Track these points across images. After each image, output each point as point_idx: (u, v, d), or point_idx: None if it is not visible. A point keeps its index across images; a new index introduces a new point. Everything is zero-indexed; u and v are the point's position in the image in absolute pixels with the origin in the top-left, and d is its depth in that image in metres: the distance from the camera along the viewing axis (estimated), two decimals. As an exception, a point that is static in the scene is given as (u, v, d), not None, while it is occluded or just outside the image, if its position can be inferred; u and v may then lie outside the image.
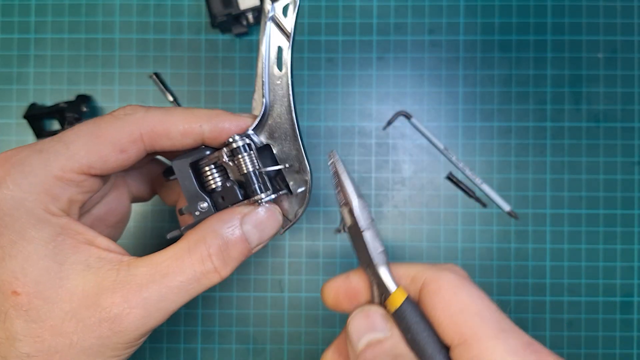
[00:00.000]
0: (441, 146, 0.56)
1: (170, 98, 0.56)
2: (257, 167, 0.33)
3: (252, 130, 0.34)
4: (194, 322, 0.55)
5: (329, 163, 0.32)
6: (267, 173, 0.34)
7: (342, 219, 0.33)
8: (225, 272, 0.31)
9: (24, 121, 0.55)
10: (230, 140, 0.32)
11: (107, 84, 0.57)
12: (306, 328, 0.55)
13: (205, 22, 0.57)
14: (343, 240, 0.56)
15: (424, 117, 0.56)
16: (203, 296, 0.56)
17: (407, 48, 0.57)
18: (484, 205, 0.56)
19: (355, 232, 0.32)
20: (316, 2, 0.57)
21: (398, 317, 0.30)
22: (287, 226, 0.35)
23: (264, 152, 0.34)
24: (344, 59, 0.57)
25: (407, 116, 0.56)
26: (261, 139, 0.34)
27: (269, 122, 0.34)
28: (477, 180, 0.56)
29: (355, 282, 0.33)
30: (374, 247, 0.31)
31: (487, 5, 0.57)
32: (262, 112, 0.34)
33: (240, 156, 0.32)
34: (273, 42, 0.34)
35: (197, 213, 0.33)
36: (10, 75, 0.56)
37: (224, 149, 0.33)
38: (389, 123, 0.56)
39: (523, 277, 0.56)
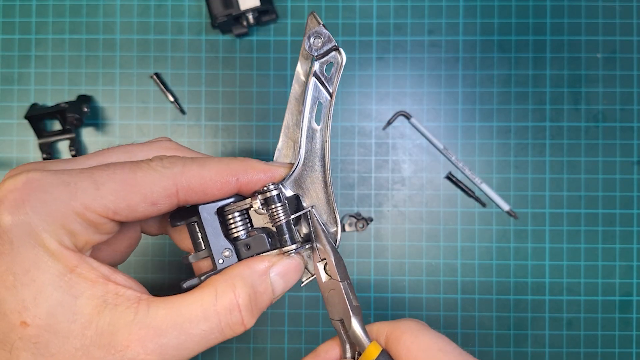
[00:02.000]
0: (441, 146, 0.56)
1: (171, 98, 0.56)
2: (290, 217, 0.33)
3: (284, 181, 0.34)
4: (195, 321, 0.56)
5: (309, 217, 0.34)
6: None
7: (317, 275, 0.34)
8: (250, 324, 0.30)
9: (25, 121, 0.55)
10: (265, 189, 0.33)
11: (107, 84, 0.57)
12: (306, 327, 0.56)
13: (205, 23, 0.57)
14: (343, 240, 0.56)
15: (424, 117, 0.57)
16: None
17: (406, 48, 0.57)
18: (483, 204, 0.56)
19: (329, 286, 0.33)
20: (316, 2, 0.57)
21: None
22: (309, 279, 0.35)
23: (291, 202, 0.35)
24: (343, 59, 0.57)
25: (407, 116, 0.56)
26: (289, 188, 0.35)
27: (301, 173, 0.35)
28: (477, 180, 0.56)
29: (324, 354, 0.34)
30: (350, 300, 0.32)
31: (486, 6, 0.57)
32: (297, 164, 0.34)
33: (274, 206, 0.33)
34: (314, 96, 0.35)
35: (220, 261, 0.33)
36: (11, 76, 0.57)
37: (259, 196, 0.33)
38: (389, 123, 0.56)
39: (522, 276, 0.56)
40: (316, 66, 0.34)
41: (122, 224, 0.32)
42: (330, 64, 0.34)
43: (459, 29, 0.57)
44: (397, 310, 0.56)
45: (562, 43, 0.57)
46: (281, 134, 0.35)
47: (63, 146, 0.56)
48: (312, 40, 0.34)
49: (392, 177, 0.56)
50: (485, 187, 0.56)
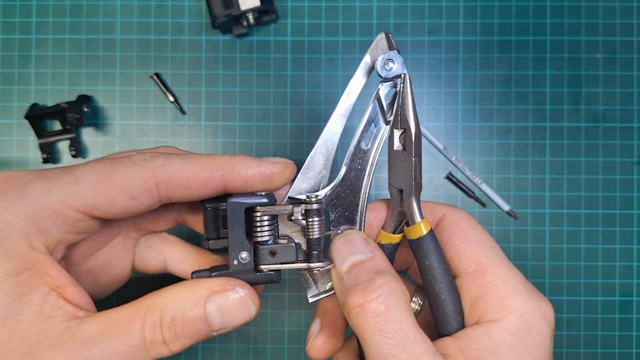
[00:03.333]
0: (441, 146, 0.56)
1: (171, 98, 0.56)
2: (324, 233, 0.33)
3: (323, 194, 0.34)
4: (195, 321, 0.55)
5: (400, 81, 0.33)
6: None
7: (390, 139, 0.34)
8: (175, 347, 0.29)
9: (25, 121, 0.55)
10: (307, 199, 0.32)
11: (108, 84, 0.57)
12: (306, 327, 0.56)
13: (205, 23, 0.57)
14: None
15: (424, 117, 0.57)
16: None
17: (407, 48, 0.57)
18: (483, 205, 0.56)
19: (399, 156, 0.33)
20: (316, 2, 0.57)
21: (417, 245, 0.32)
22: (317, 297, 0.35)
23: None
24: (344, 60, 0.57)
25: (407, 116, 0.56)
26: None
27: (337, 190, 0.34)
28: (477, 180, 0.56)
29: (376, 212, 0.35)
30: (415, 176, 0.32)
31: (486, 6, 0.57)
32: (337, 180, 0.34)
33: (311, 219, 0.32)
34: (370, 117, 0.34)
35: (235, 262, 0.31)
36: (11, 76, 0.57)
37: (302, 206, 0.32)
38: (389, 123, 0.56)
39: (522, 276, 0.56)
40: (380, 89, 0.34)
41: (102, 227, 0.32)
42: (392, 89, 0.34)
43: (459, 29, 0.57)
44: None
45: (562, 43, 0.57)
46: (318, 141, 0.35)
47: (63, 146, 0.56)
48: (382, 62, 0.34)
49: (392, 177, 0.56)
50: (485, 188, 0.56)
